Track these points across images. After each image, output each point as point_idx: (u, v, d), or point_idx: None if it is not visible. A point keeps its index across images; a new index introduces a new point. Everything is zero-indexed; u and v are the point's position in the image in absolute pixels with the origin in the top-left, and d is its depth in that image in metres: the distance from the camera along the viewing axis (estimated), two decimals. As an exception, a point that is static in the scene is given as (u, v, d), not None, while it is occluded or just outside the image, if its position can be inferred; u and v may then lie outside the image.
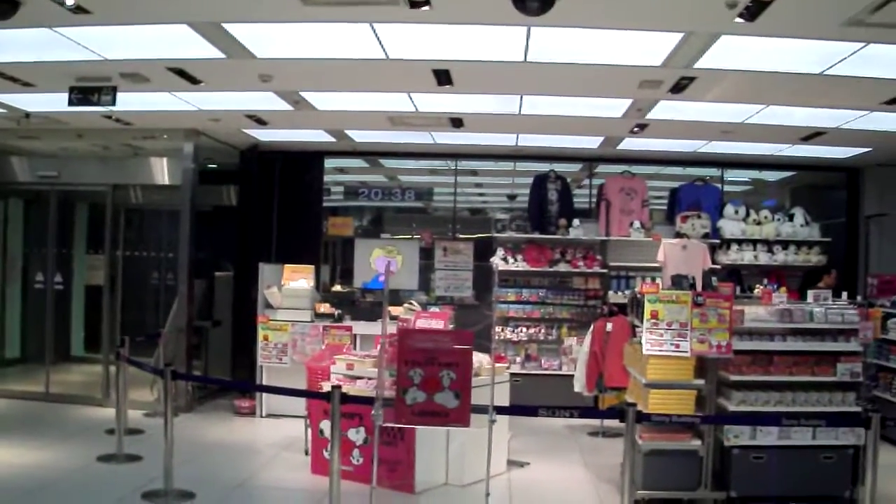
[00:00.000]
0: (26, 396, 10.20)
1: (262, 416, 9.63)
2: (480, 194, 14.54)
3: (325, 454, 7.09)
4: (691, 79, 7.05)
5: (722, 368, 6.64)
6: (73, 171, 10.63)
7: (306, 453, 7.74)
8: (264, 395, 9.67)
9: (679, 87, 7.30)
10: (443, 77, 7.28)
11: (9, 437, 8.24)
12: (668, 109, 8.31)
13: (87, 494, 6.55)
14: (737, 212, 10.74)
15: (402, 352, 5.55)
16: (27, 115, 9.28)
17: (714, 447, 6.64)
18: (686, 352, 6.46)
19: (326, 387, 7.11)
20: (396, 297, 10.72)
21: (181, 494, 6.52)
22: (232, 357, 11.25)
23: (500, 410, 5.74)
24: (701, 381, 6.57)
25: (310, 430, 7.65)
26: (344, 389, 6.00)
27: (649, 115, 8.62)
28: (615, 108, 8.42)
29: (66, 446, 8.01)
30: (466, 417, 5.44)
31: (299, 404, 8.34)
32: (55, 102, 8.39)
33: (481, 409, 5.68)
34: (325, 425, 7.11)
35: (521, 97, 8.18)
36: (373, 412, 5.64)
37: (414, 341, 5.57)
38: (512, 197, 14.03)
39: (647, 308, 6.55)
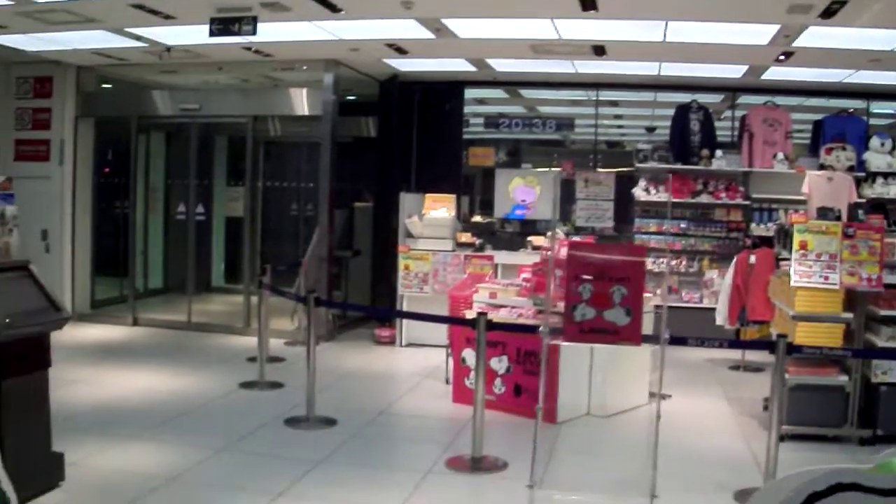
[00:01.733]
0: (170, 325, 10.47)
1: (401, 346, 9.62)
2: (620, 126, 14.15)
3: (467, 383, 7.02)
4: (843, 3, 6.56)
5: (871, 302, 6.30)
6: (214, 104, 10.72)
7: (447, 382, 7.68)
8: (404, 324, 9.66)
9: (830, 12, 6.83)
10: (588, 2, 6.97)
11: (154, 364, 8.47)
12: (815, 36, 7.83)
13: (231, 419, 6.64)
14: (882, 144, 10.06)
15: (572, 266, 5.23)
16: (168, 48, 9.36)
17: (861, 384, 6.32)
18: (835, 284, 6.10)
19: (469, 315, 7.01)
20: (535, 228, 10.56)
21: (323, 421, 6.54)
22: (371, 287, 11.29)
23: (647, 339, 5.48)
24: (849, 315, 6.20)
25: (451, 359, 7.58)
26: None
27: (796, 43, 8.14)
28: (761, 34, 7.96)
29: (208, 373, 8.17)
30: (637, 335, 5.13)
31: (439, 334, 8.28)
32: (196, 35, 8.44)
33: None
34: (468, 354, 7.02)
35: (666, 23, 7.79)
36: (540, 328, 5.42)
37: (584, 255, 5.25)
38: (651, 129, 13.60)
39: (796, 238, 6.19)
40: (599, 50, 8.94)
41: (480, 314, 5.82)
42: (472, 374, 6.08)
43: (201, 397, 7.27)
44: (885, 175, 10.00)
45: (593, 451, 6.25)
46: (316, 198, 10.43)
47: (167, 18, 7.92)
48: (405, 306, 9.47)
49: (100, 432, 6.14)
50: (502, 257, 9.58)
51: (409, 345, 9.59)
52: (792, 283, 6.21)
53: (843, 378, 6.31)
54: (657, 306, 7.14)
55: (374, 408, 7.12)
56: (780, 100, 10.70)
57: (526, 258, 9.10)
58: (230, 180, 12.42)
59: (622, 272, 5.09)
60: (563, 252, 5.94)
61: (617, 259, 5.19)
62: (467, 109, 11.82)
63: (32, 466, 4.79)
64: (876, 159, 10.03)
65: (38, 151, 10.60)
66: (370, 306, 11.07)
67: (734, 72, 9.98)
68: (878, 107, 11.25)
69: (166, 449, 5.88)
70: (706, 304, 10.01)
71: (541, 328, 5.43)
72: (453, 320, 7.33)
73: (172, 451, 5.82)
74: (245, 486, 5.24)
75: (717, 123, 11.11)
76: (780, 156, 10.15)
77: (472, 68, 10.45)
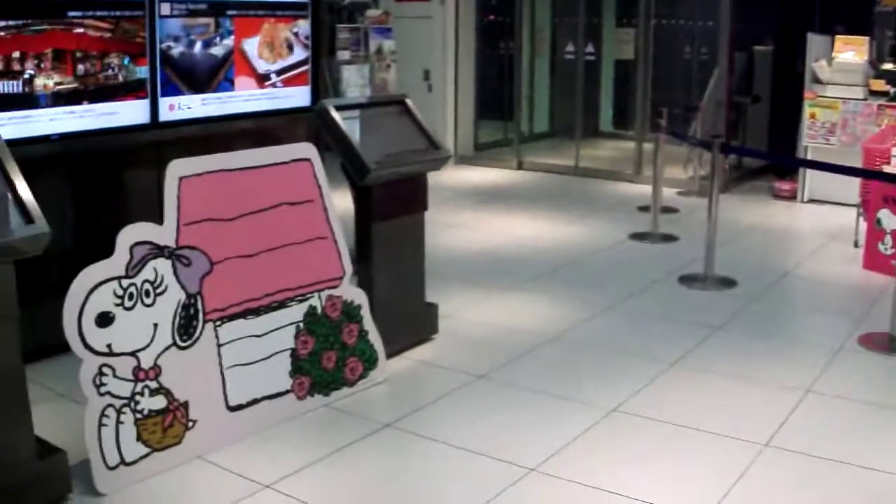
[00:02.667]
0: (555, 170, 10.04)
1: (802, 202, 8.45)
2: None
3: (881, 248, 5.90)
4: None
5: None
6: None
7: (856, 245, 6.53)
8: (808, 178, 8.47)
9: None
10: None
11: (538, 211, 8.05)
12: None
13: (619, 274, 6.05)
14: None
15: None
16: None
17: None
18: None
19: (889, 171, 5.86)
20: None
21: (721, 281, 5.76)
22: (769, 136, 10.10)
23: None
24: None
25: (863, 220, 6.42)
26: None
27: None
28: None
29: (596, 222, 7.61)
30: None
31: (847, 190, 7.15)
32: None
33: None
34: (884, 215, 5.88)
35: None
36: None
37: None
38: None
39: None
40: None
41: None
42: (889, 238, 5.03)
43: (587, 248, 6.73)
44: None
45: None
46: (711, 39, 9.43)
47: None
48: (809, 158, 8.26)
49: (476, 282, 5.83)
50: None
51: (811, 201, 8.38)
52: None
53: None
54: None
55: (776, 270, 6.19)
56: None
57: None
58: (620, 20, 11.56)
59: None
60: None
61: None
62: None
63: (403, 317, 4.53)
64: None
65: (419, -9, 10.40)
66: (785, 155, 9.87)
67: None
68: None
69: (547, 303, 5.44)
70: None
71: None
72: (875, 174, 6.12)
73: (553, 307, 5.36)
74: (634, 350, 4.65)
75: None
76: None
77: None
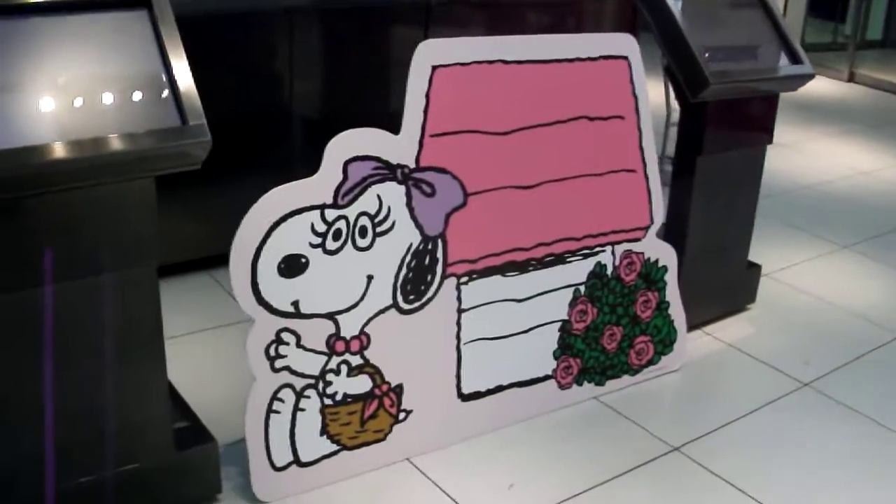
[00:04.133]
0: (883, 86, 8.07)
1: None
2: None
3: None
4: None
5: None
6: None
7: None
8: None
9: None
10: None
11: (880, 139, 6.31)
12: None
13: None
14: None
15: None
16: None
17: None
18: None
19: None
20: None
21: None
22: None
23: None
24: None
25: None
26: None
27: None
28: None
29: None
30: None
31: None
32: None
33: None
34: None
35: None
36: None
37: None
38: None
39: None
40: None
41: None
42: None
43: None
44: None
45: None
46: None
47: None
48: None
49: (798, 230, 4.43)
50: None
51: None
52: None
53: None
54: None
55: None
56: None
57: None
58: None
59: None
60: None
61: None
62: None
63: (716, 282, 3.31)
64: None
65: None
66: None
67: None
68: None
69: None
70: None
71: None
72: None
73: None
74: None
75: None
76: None
77: None
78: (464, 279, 2.37)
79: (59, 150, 1.62)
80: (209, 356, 2.84)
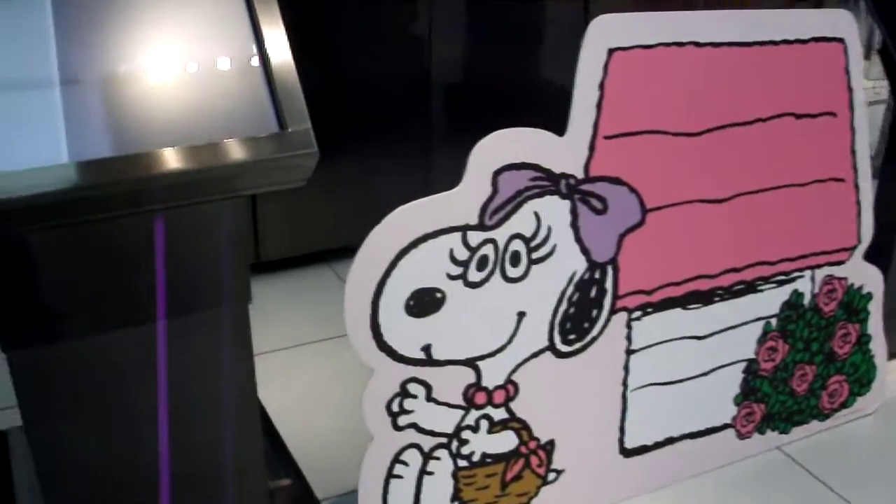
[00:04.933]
0: None
1: None
2: None
3: None
4: None
5: None
6: None
7: None
8: None
9: None
10: None
11: None
12: None
13: None
14: None
15: None
16: None
17: None
18: None
19: None
20: None
21: None
22: None
23: None
24: None
25: None
26: None
27: None
28: None
29: None
30: None
31: None
32: None
33: None
34: None
35: None
36: None
37: None
38: None
39: None
40: None
41: None
42: None
43: None
44: None
45: None
46: None
47: None
48: None
49: None
50: None
51: None
52: None
53: None
54: None
55: None
56: None
57: None
58: None
59: None
60: None
61: None
62: None
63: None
64: None
65: None
66: None
67: None
68: None
69: None
70: None
71: None
72: None
73: None
74: None
75: None
76: None
77: None
78: (636, 314, 1.90)
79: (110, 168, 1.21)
80: (322, 373, 2.47)
